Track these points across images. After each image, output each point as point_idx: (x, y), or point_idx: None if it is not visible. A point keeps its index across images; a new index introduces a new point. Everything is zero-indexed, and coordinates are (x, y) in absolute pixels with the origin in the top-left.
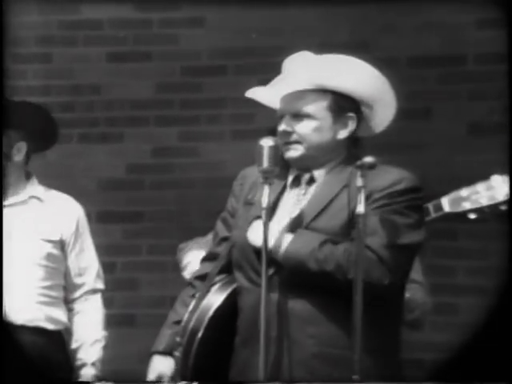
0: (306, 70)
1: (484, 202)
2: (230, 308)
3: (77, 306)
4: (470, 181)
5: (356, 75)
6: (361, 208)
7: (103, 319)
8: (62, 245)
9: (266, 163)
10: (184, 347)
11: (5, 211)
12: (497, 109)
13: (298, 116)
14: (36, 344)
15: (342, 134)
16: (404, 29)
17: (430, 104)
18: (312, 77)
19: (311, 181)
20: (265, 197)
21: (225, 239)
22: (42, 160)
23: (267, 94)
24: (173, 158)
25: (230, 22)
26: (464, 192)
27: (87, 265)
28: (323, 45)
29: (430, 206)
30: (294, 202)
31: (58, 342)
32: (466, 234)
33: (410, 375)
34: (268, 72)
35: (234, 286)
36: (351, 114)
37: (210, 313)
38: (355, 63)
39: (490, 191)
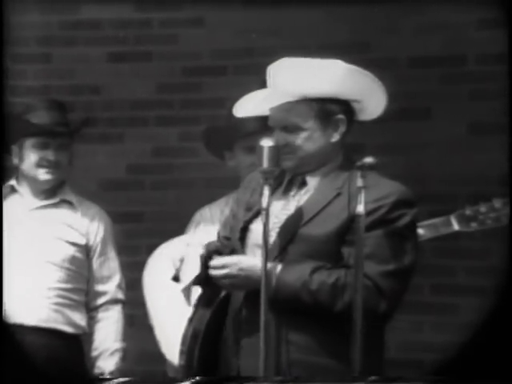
0: (288, 81)
1: (490, 223)
2: (225, 309)
3: (98, 315)
4: (470, 181)
5: (335, 77)
6: (361, 208)
7: (123, 330)
8: (86, 250)
9: (265, 164)
10: (186, 354)
11: (35, 212)
12: (497, 109)
13: (288, 128)
14: (50, 346)
15: (335, 136)
16: (404, 29)
17: (430, 104)
18: (294, 88)
19: (303, 184)
20: (265, 197)
21: (226, 238)
22: None
23: (255, 109)
24: (173, 158)
25: (230, 22)
26: (468, 211)
27: (110, 274)
28: (323, 45)
29: (438, 222)
30: (282, 206)
31: (74, 346)
32: (466, 233)
33: (410, 375)
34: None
35: None
36: (340, 116)
37: (207, 317)
38: (331, 64)
39: (495, 213)
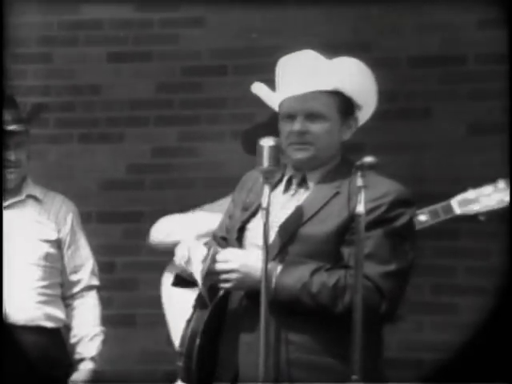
0: (321, 71)
1: (493, 204)
2: (224, 310)
3: (74, 302)
4: (470, 181)
5: (364, 80)
6: (361, 208)
7: (100, 315)
8: (58, 244)
9: (266, 163)
10: (185, 355)
11: (4, 212)
12: (497, 109)
13: (312, 116)
14: (37, 344)
15: (346, 135)
16: (404, 29)
17: (430, 104)
18: (331, 78)
19: (302, 182)
20: (265, 197)
21: (223, 239)
22: (42, 160)
23: (276, 95)
24: (173, 158)
25: (230, 22)
26: (471, 194)
27: (82, 262)
28: (324, 45)
29: (439, 208)
30: (281, 205)
31: (57, 339)
32: (466, 233)
33: (410, 375)
34: (268, 72)
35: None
36: (356, 115)
37: (205, 317)
38: (362, 68)
39: (498, 194)
